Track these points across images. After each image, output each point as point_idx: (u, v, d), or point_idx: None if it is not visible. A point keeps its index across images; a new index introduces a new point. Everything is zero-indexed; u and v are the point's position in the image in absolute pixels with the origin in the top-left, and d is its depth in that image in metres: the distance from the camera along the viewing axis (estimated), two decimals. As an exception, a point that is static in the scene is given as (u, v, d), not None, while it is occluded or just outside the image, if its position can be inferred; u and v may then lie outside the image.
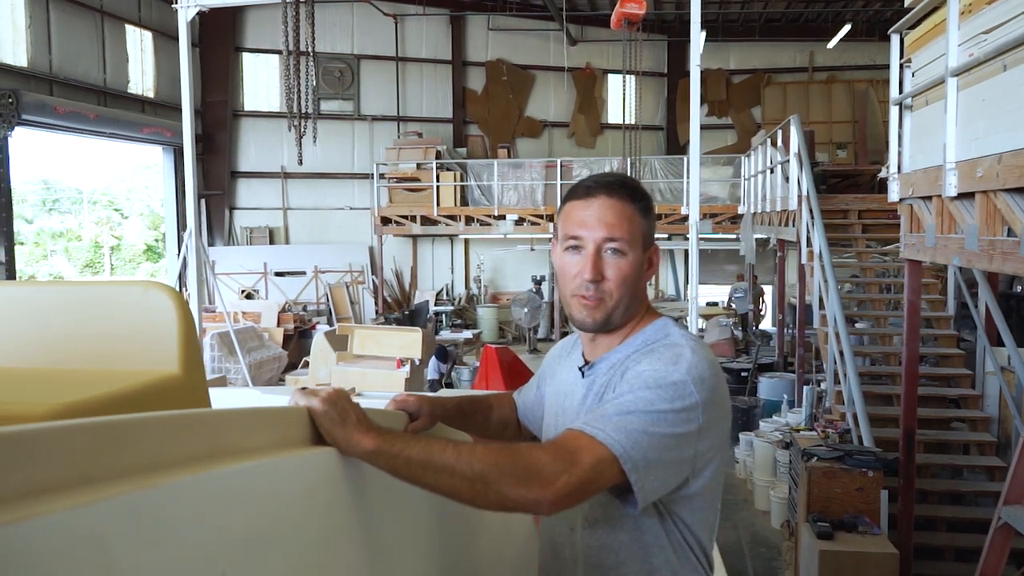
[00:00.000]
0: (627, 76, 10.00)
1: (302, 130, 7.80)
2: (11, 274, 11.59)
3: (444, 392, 7.08)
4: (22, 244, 24.94)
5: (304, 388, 1.15)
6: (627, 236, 1.37)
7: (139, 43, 14.83)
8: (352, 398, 1.15)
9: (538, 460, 1.13)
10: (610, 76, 18.38)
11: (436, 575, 1.40)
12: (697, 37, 6.90)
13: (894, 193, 5.26)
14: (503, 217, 15.33)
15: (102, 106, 13.51)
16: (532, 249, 17.15)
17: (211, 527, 0.76)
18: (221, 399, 2.76)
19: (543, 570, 1.53)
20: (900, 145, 5.17)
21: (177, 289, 9.05)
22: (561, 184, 14.88)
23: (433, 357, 9.74)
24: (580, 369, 1.47)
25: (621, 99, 10.27)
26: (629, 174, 11.13)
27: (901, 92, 5.12)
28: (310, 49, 7.69)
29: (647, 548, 1.35)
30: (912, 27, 4.89)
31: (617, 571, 1.37)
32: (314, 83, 8.08)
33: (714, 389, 1.29)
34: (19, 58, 11.91)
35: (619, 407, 1.24)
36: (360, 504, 1.13)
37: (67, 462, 0.65)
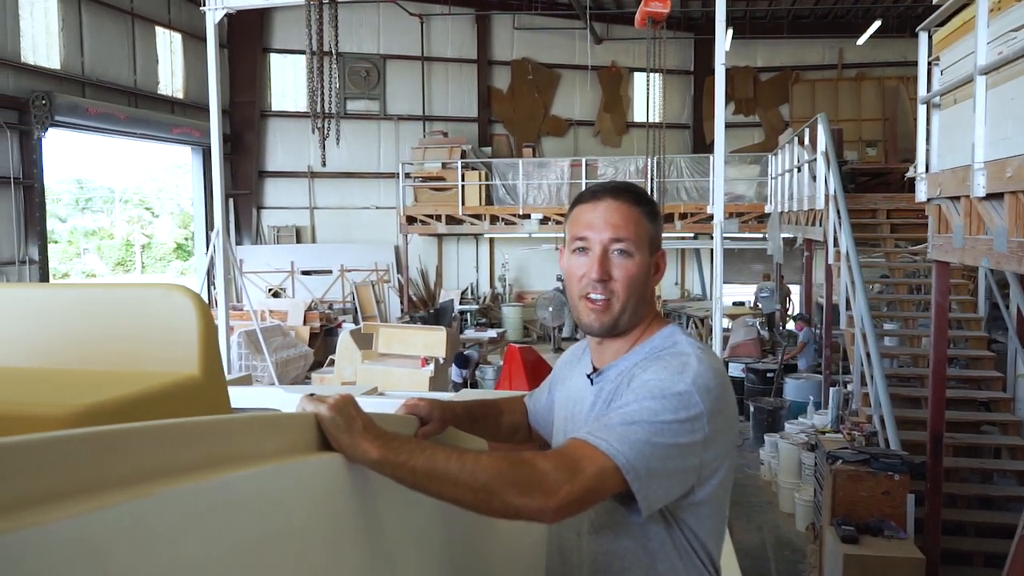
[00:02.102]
0: (652, 75, 9.95)
1: (326, 131, 7.85)
2: (44, 272, 11.82)
3: (467, 392, 7.11)
4: (56, 242, 25.42)
5: (311, 395, 1.16)
6: (633, 237, 1.38)
7: (169, 45, 15.04)
8: (360, 402, 1.16)
9: (541, 470, 1.15)
10: (636, 74, 18.30)
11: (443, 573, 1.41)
12: (722, 35, 6.86)
13: (922, 193, 5.19)
14: (528, 216, 15.32)
15: (132, 107, 13.72)
16: (557, 248, 17.08)
17: (211, 535, 0.76)
18: (245, 397, 2.80)
19: (550, 571, 1.54)
20: (928, 144, 5.10)
21: (205, 287, 9.19)
22: (586, 183, 14.81)
23: (453, 364, 9.80)
24: (589, 376, 1.48)
25: (646, 98, 10.21)
26: (655, 172, 11.09)
27: (929, 90, 5.05)
28: (334, 50, 7.74)
29: (652, 554, 1.35)
30: (940, 24, 4.83)
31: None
32: (337, 84, 8.12)
33: (719, 399, 1.29)
34: (52, 60, 12.14)
35: (623, 417, 1.24)
36: (367, 509, 1.14)
37: (65, 471, 0.66)
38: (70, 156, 26.31)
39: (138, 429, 0.75)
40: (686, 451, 1.25)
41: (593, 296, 1.39)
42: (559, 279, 16.16)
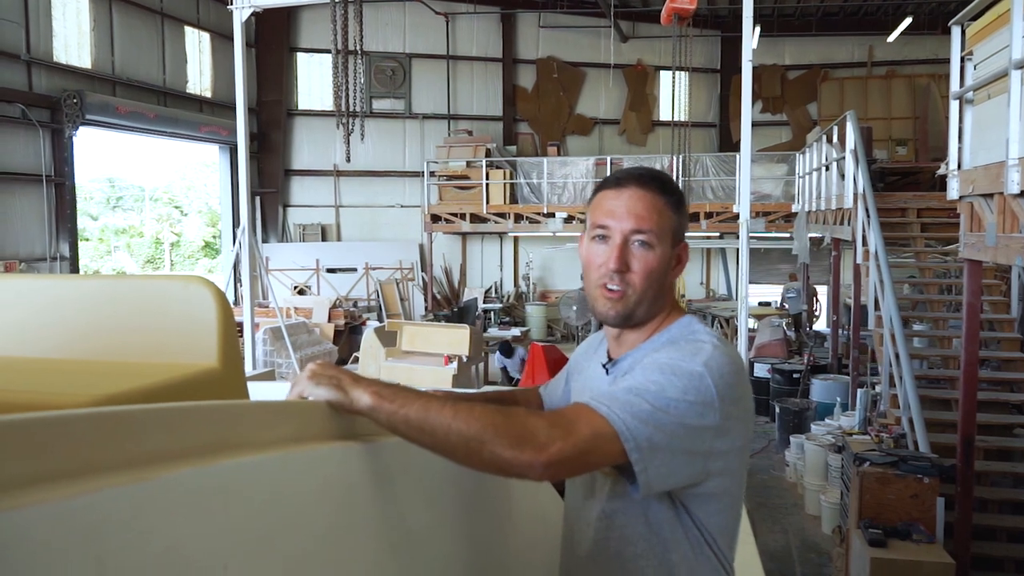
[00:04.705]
0: (677, 73, 9.86)
1: (350, 128, 7.90)
2: (75, 269, 12.01)
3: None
4: (87, 240, 25.81)
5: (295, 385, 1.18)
6: (655, 228, 1.34)
7: (197, 44, 15.20)
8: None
9: (535, 425, 1.12)
10: (662, 73, 18.19)
11: (457, 570, 1.39)
12: (749, 32, 6.78)
13: (953, 191, 5.10)
14: (552, 215, 15.29)
15: (162, 106, 13.89)
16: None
17: (213, 521, 0.75)
18: (268, 392, 2.81)
19: (564, 560, 1.53)
20: (960, 141, 5.01)
21: (231, 284, 9.24)
22: (611, 182, 14.76)
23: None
24: (604, 366, 1.46)
25: (671, 96, 10.15)
26: (680, 171, 11.02)
27: (962, 86, 4.96)
28: (359, 49, 7.78)
29: (665, 543, 1.33)
30: (974, 18, 4.74)
31: (635, 563, 1.35)
32: (362, 81, 8.17)
33: (734, 387, 1.25)
34: (83, 60, 12.32)
35: (630, 388, 1.21)
36: (378, 499, 1.13)
37: (67, 452, 0.65)
38: (101, 155, 26.72)
39: (141, 411, 0.74)
40: (693, 434, 1.21)
41: (610, 286, 1.36)
42: (583, 278, 16.10)
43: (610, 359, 1.46)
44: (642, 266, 1.34)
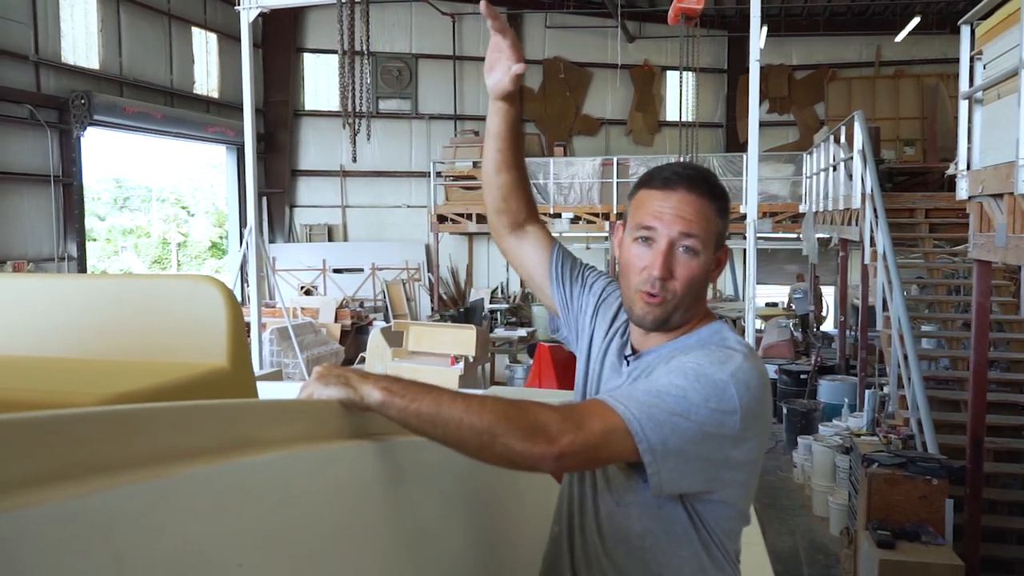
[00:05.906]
0: (684, 73, 9.84)
1: (356, 128, 7.92)
2: (82, 269, 12.05)
3: (497, 389, 7.10)
4: (94, 240, 25.88)
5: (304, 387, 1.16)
6: (702, 234, 1.31)
7: (204, 45, 15.23)
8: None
9: (547, 418, 1.13)
10: (669, 73, 18.16)
11: (469, 568, 1.39)
12: (756, 32, 6.76)
13: (962, 191, 5.07)
14: (559, 215, 15.27)
15: (169, 106, 13.92)
16: (588, 248, 17.03)
17: (227, 519, 0.75)
18: (275, 392, 2.82)
19: (557, 545, 1.49)
20: (969, 140, 4.98)
21: (238, 284, 9.24)
22: (618, 182, 14.77)
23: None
24: (626, 358, 1.43)
25: (678, 96, 10.14)
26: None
27: (971, 85, 4.93)
28: (366, 49, 7.80)
29: (676, 539, 1.32)
30: (984, 17, 4.71)
31: (641, 555, 1.34)
32: (369, 81, 8.20)
33: (758, 400, 1.24)
34: (91, 60, 12.36)
35: (649, 388, 1.21)
36: (387, 498, 1.13)
37: (80, 450, 0.65)
38: (109, 155, 26.76)
39: (153, 410, 0.74)
40: (710, 440, 1.20)
41: (651, 292, 1.33)
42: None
43: (633, 350, 1.44)
44: (685, 273, 1.32)
